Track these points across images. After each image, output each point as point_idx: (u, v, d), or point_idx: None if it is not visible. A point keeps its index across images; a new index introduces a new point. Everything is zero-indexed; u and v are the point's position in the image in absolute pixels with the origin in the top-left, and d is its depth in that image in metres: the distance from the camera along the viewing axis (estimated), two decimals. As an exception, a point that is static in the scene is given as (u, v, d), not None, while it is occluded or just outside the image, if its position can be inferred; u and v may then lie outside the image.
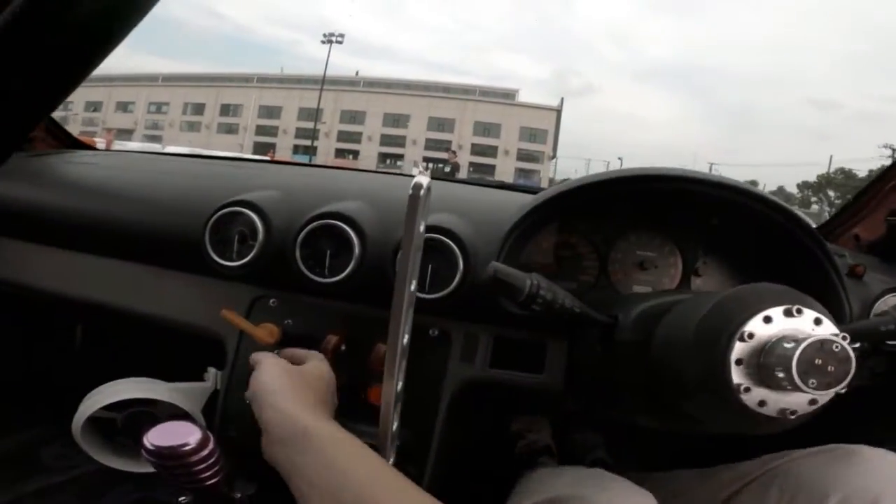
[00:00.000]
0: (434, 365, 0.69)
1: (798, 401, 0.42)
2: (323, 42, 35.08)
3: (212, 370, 0.74)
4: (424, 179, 0.37)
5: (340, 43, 34.74)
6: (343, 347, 0.68)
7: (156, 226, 0.74)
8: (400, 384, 0.46)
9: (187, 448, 0.43)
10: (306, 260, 0.65)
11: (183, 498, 0.63)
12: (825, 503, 0.49)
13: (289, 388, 0.47)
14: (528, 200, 0.69)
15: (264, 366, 0.50)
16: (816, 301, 0.45)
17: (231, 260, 0.66)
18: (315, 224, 0.64)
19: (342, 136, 39.78)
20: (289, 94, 41.29)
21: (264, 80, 43.22)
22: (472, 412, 0.84)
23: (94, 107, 39.46)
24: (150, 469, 0.79)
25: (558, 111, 39.58)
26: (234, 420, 0.70)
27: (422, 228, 0.40)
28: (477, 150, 38.77)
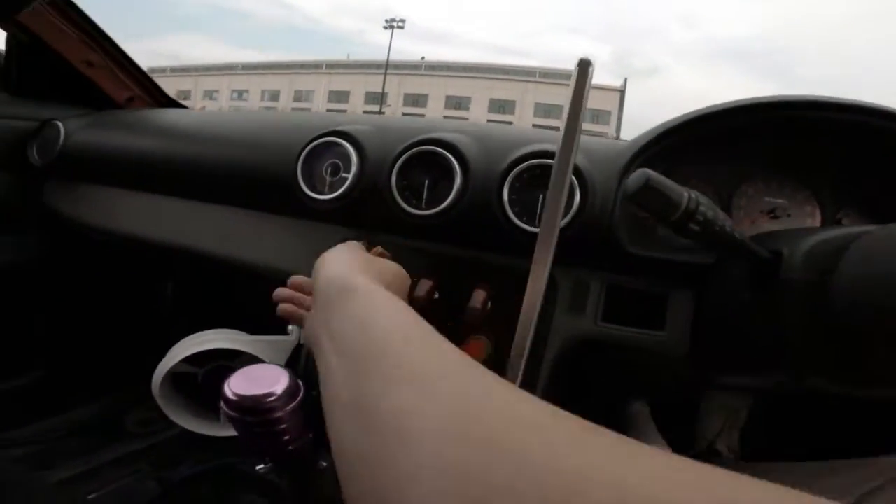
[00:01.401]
0: (540, 316, 0.61)
1: None
2: (385, 27, 35.56)
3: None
4: (591, 55, 0.29)
5: (402, 28, 35.04)
6: (437, 295, 0.62)
7: (249, 163, 0.71)
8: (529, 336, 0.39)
9: (272, 399, 0.37)
10: (402, 191, 0.59)
11: (261, 466, 0.60)
12: None
13: (352, 260, 0.38)
14: (649, 131, 0.59)
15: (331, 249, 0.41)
16: None
17: (323, 193, 0.62)
18: (413, 150, 0.59)
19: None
20: (355, 80, 42.31)
21: (332, 67, 44.49)
22: (578, 378, 0.75)
23: (184, 95, 42.47)
24: (227, 433, 0.79)
25: (621, 91, 37.77)
26: (316, 376, 0.67)
27: (580, 126, 0.32)
28: (538, 131, 37.93)
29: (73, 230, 0.97)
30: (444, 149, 0.58)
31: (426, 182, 0.58)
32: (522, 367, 0.37)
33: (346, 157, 0.62)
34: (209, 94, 45.42)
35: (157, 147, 0.83)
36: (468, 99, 39.49)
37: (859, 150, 0.61)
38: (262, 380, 0.37)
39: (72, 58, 0.99)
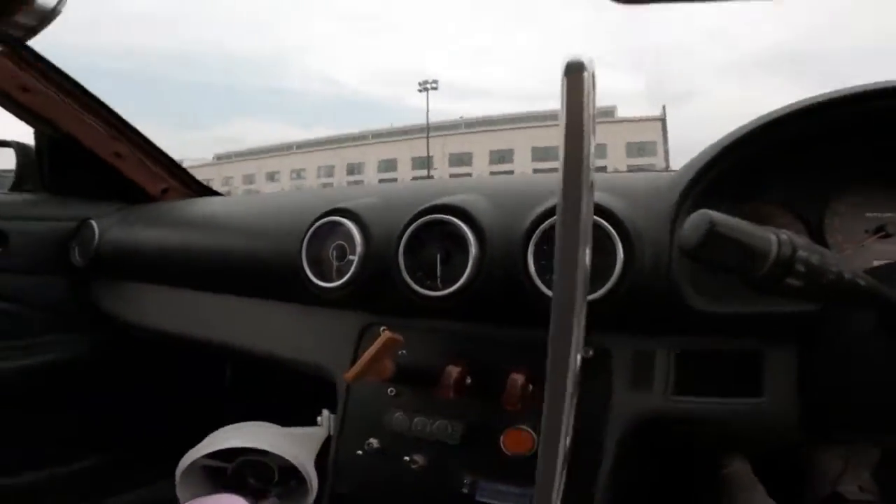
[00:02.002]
0: (591, 397, 0.50)
1: None
2: (420, 91, 37.56)
3: (325, 413, 0.67)
4: (585, 57, 0.20)
5: (436, 89, 36.91)
6: (469, 381, 0.53)
7: (255, 252, 0.68)
8: (568, 434, 0.27)
9: None
10: (413, 271, 0.52)
11: None
12: None
13: None
14: (702, 154, 0.49)
15: None
16: None
17: (331, 280, 0.56)
18: (420, 222, 0.52)
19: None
20: (400, 147, 44.42)
21: (378, 136, 47.12)
22: (650, 463, 0.62)
23: (250, 179, 46.18)
24: None
25: (662, 120, 37.20)
26: (346, 473, 0.60)
27: (592, 146, 0.21)
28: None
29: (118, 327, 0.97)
30: (454, 215, 0.51)
31: (438, 256, 0.51)
32: (559, 468, 0.26)
33: (350, 238, 0.56)
34: (271, 176, 49.07)
35: (176, 240, 0.82)
36: (511, 151, 40.14)
37: None
38: None
39: (100, 150, 1.01)
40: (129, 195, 1.08)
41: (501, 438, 0.52)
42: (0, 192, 1.09)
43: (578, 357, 0.23)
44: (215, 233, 0.76)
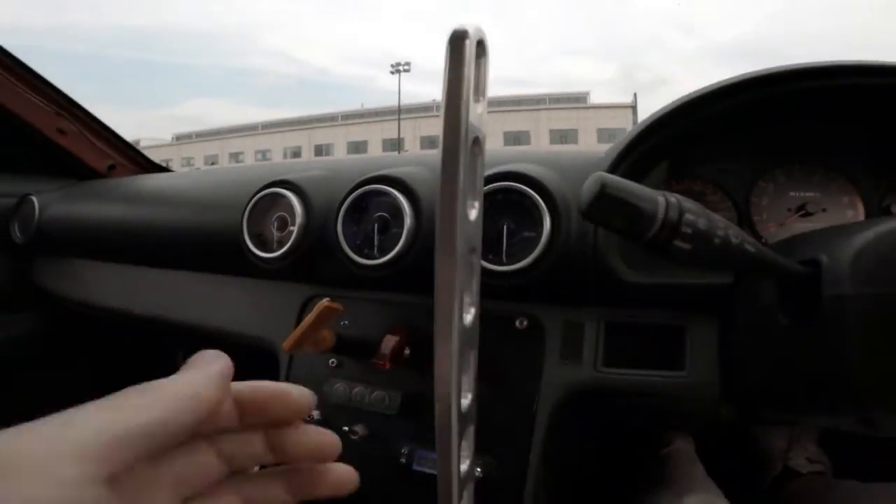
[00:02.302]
0: (524, 368, 0.52)
1: None
2: (392, 73, 37.03)
3: None
4: (471, 25, 0.21)
5: (408, 71, 36.40)
6: (407, 352, 0.54)
7: (197, 225, 0.67)
8: (468, 394, 0.28)
9: None
10: (351, 239, 0.53)
11: None
12: None
13: None
14: (630, 131, 0.51)
15: None
16: None
17: (271, 252, 0.56)
18: (359, 191, 0.52)
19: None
20: (371, 128, 43.72)
21: (348, 117, 46.19)
22: (584, 433, 0.64)
23: (212, 160, 44.64)
24: None
25: (633, 107, 37.87)
26: None
27: (479, 110, 0.22)
28: (558, 158, 38.29)
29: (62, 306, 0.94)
30: (392, 185, 0.51)
31: (376, 226, 0.52)
32: (454, 434, 0.26)
33: (291, 209, 0.56)
34: (235, 157, 47.59)
35: (118, 215, 0.80)
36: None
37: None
38: None
39: (41, 126, 0.98)
40: (75, 172, 1.05)
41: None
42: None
43: (465, 316, 0.24)
44: (159, 207, 0.74)
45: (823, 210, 0.55)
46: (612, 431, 0.87)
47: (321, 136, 45.59)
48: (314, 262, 0.56)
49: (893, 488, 0.57)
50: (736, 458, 0.90)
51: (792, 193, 0.56)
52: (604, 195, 0.28)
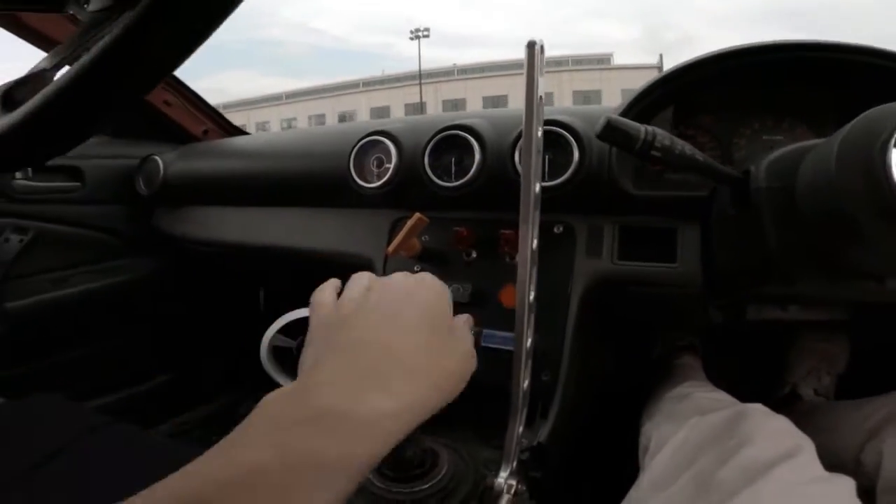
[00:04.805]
0: (561, 263, 0.70)
1: None
2: (411, 39, 36.29)
3: None
4: (538, 38, 0.38)
5: (427, 37, 35.65)
6: (474, 254, 0.74)
7: (309, 169, 0.88)
8: (532, 291, 0.43)
9: None
10: (435, 170, 0.72)
11: None
12: None
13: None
14: (637, 89, 0.69)
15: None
16: None
17: (372, 183, 0.77)
18: (440, 136, 0.72)
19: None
20: (393, 94, 43.34)
21: (369, 84, 45.83)
22: (605, 324, 0.82)
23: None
24: None
25: (659, 68, 36.29)
26: None
27: (540, 93, 0.39)
28: (582, 119, 37.23)
29: (181, 248, 1.16)
30: (464, 131, 0.71)
31: (453, 160, 0.71)
32: (526, 319, 0.43)
33: (387, 151, 0.76)
34: (261, 126, 48.09)
35: (233, 167, 1.02)
36: (505, 97, 39.46)
37: (858, 88, 0.64)
38: None
39: (153, 99, 1.18)
40: (177, 137, 1.25)
41: (499, 294, 0.71)
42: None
43: (535, 229, 0.41)
44: (270, 159, 0.96)
45: None
46: (629, 329, 1.06)
47: (344, 103, 45.45)
48: (405, 190, 0.76)
49: (858, 403, 0.67)
50: (757, 379, 1.06)
51: (765, 137, 0.70)
52: (608, 125, 0.48)
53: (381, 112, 43.62)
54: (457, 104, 41.34)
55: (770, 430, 0.50)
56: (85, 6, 0.37)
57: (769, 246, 0.50)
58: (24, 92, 0.32)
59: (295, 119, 46.48)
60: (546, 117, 0.68)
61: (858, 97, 0.65)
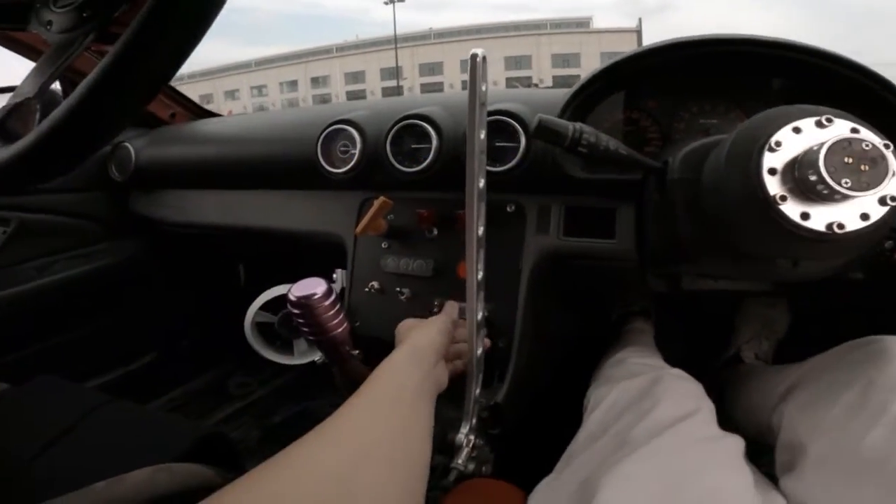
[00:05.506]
0: (513, 239, 0.76)
1: (845, 213, 0.40)
2: (386, 3, 35.06)
3: (339, 271, 0.90)
4: (480, 50, 0.41)
5: (403, 1, 34.44)
6: (435, 231, 0.80)
7: (280, 155, 0.92)
8: (481, 269, 0.50)
9: (314, 297, 0.57)
10: (396, 156, 0.78)
11: (318, 357, 0.81)
12: (849, 389, 0.48)
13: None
14: (580, 79, 0.74)
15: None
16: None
17: (339, 168, 0.82)
18: (399, 125, 0.77)
19: (425, 89, 40.00)
20: (368, 58, 42.11)
21: (343, 49, 44.37)
22: (555, 287, 0.87)
23: (207, 99, 43.66)
24: (298, 361, 1.02)
25: (638, 31, 36.01)
26: (358, 310, 0.85)
27: (484, 91, 0.42)
28: (559, 82, 36.72)
29: (157, 230, 1.19)
30: (422, 121, 0.76)
31: (412, 146, 0.77)
32: (475, 295, 0.50)
33: (352, 138, 0.81)
34: (230, 94, 46.48)
35: (207, 153, 1.05)
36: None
37: (768, 72, 0.70)
38: (309, 286, 0.57)
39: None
40: (144, 121, 1.26)
41: (457, 268, 0.77)
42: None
43: (482, 206, 0.46)
44: (242, 144, 1.00)
45: (723, 133, 0.74)
46: (589, 297, 1.14)
47: (317, 68, 44.02)
48: (370, 174, 0.81)
49: (780, 369, 0.71)
50: (708, 342, 1.14)
51: (701, 121, 0.74)
52: (539, 125, 0.54)
53: (357, 77, 42.47)
54: (433, 68, 40.53)
55: (677, 393, 0.57)
56: (48, 27, 0.40)
57: (680, 230, 0.56)
58: (14, 121, 0.36)
59: (266, 86, 44.98)
60: (497, 105, 0.74)
61: (787, 82, 0.71)
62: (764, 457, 0.56)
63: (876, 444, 0.42)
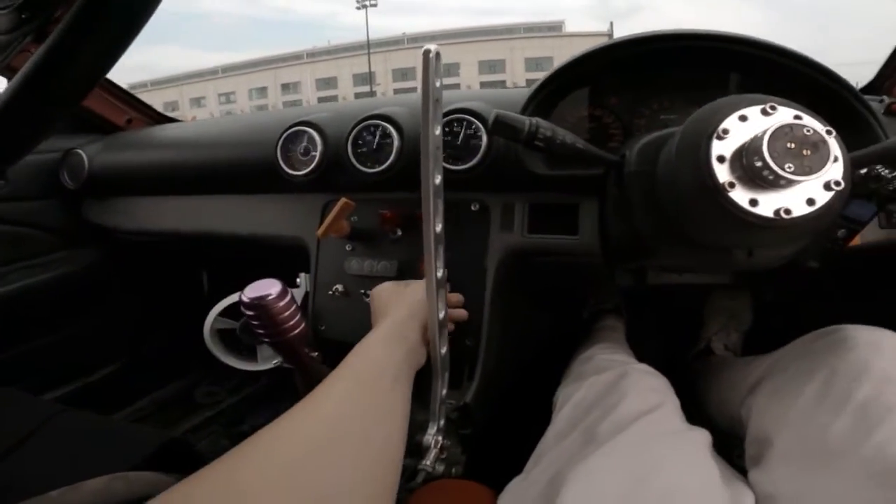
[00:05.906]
0: (478, 237, 0.75)
1: (792, 199, 0.41)
2: (358, 8, 34.99)
3: (303, 275, 0.88)
4: (433, 46, 0.41)
5: (375, 6, 34.45)
6: (399, 232, 0.79)
7: (241, 158, 0.90)
8: (441, 268, 0.49)
9: (270, 297, 0.55)
10: (358, 157, 0.77)
11: (276, 361, 0.79)
12: (813, 379, 0.49)
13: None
14: (540, 78, 0.74)
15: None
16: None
17: (300, 171, 0.80)
18: (361, 125, 0.76)
19: (398, 94, 39.78)
20: (340, 64, 41.88)
21: (314, 55, 44.02)
22: (522, 285, 0.88)
23: (172, 106, 42.67)
24: (261, 367, 1.00)
25: (609, 35, 36.96)
26: (322, 313, 0.83)
27: (438, 86, 0.42)
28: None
29: (115, 238, 1.15)
30: (384, 121, 0.75)
31: (374, 146, 0.76)
32: (435, 295, 0.49)
33: (313, 140, 0.79)
34: (196, 102, 45.50)
35: (164, 158, 1.01)
36: (457, 65, 38.99)
37: (727, 67, 0.71)
38: (263, 287, 0.55)
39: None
40: (99, 128, 1.22)
41: (419, 267, 0.74)
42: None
43: (439, 203, 0.46)
44: (201, 148, 0.96)
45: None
46: (560, 295, 1.14)
47: (287, 74, 43.55)
48: (332, 176, 0.80)
49: (748, 360, 0.71)
50: (679, 336, 1.16)
51: (662, 117, 0.75)
52: (496, 120, 0.53)
53: (329, 83, 42.16)
54: (407, 73, 40.52)
55: (642, 388, 0.57)
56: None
57: (638, 223, 0.56)
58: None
59: (234, 93, 44.23)
60: (457, 105, 0.74)
61: (744, 77, 0.71)
62: (736, 449, 0.56)
63: (841, 434, 0.42)
